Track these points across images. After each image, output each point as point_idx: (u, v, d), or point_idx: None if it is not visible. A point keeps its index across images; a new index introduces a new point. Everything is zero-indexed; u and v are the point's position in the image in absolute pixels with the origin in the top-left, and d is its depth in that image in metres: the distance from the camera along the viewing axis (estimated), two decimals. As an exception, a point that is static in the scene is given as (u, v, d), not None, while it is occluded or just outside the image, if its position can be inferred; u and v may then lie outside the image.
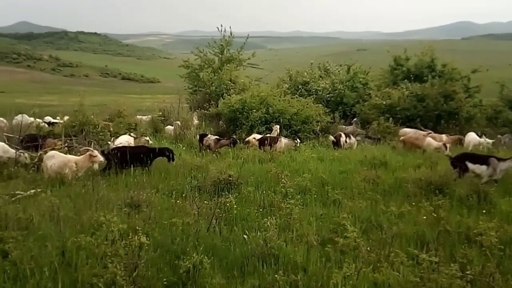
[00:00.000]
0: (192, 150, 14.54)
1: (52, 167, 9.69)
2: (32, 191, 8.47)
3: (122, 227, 5.53)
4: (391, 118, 20.03)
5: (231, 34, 28.55)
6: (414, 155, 13.78)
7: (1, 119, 17.67)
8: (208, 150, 14.27)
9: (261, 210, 8.18)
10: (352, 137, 16.46)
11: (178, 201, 8.17)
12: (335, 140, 15.85)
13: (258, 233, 6.55)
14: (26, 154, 11.03)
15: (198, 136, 15.51)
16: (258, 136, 15.90)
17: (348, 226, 6.37)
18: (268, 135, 16.13)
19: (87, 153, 10.02)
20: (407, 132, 17.45)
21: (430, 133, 15.90)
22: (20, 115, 17.58)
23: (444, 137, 16.45)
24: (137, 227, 5.70)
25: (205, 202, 7.92)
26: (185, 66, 28.57)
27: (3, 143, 11.41)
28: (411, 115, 21.59)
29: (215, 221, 6.92)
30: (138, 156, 10.73)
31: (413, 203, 8.25)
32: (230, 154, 13.73)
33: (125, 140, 12.96)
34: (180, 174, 10.56)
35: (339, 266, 5.49)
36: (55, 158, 9.86)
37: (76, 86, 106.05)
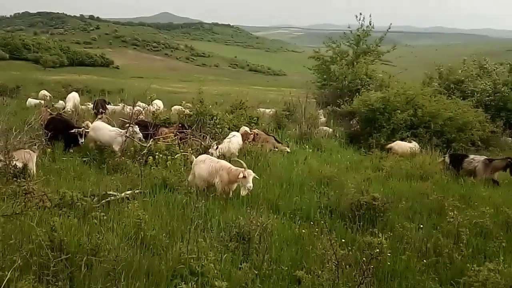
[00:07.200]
0: (319, 154, 12.19)
1: (201, 175, 7.62)
2: (128, 192, 6.95)
3: (219, 285, 3.42)
4: None
5: (370, 23, 25.38)
6: None
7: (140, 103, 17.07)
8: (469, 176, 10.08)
9: (423, 260, 5.54)
10: None
11: (303, 231, 5.93)
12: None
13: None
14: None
15: (447, 157, 10.97)
16: (403, 144, 12.94)
17: None
18: None
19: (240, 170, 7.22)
20: None
21: None
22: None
23: None
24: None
25: (343, 240, 5.53)
26: (316, 57, 26.24)
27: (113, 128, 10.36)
28: None
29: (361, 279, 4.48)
30: None
31: None
32: (368, 163, 11.09)
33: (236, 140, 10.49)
34: (306, 186, 8.28)
35: None
36: (205, 164, 7.68)
37: (206, 75, 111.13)
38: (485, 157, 10.52)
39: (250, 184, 6.97)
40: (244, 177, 6.94)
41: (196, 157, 8.20)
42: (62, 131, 10.12)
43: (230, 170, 7.25)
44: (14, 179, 5.89)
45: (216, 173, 7.29)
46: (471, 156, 10.65)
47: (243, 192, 7.04)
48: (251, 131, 11.81)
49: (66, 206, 5.63)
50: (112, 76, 78.55)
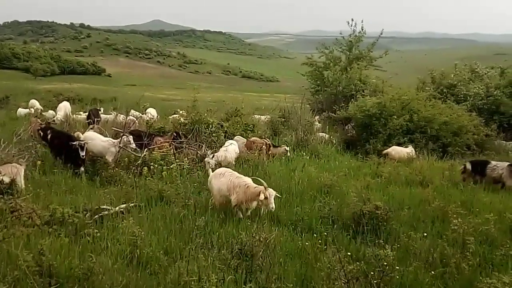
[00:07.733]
0: (317, 160, 11.97)
1: (221, 189, 7.05)
2: (123, 206, 6.67)
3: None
4: None
5: (362, 29, 25.34)
6: None
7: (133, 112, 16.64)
8: None
9: (430, 271, 5.33)
10: None
11: (306, 243, 5.71)
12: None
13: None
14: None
15: (468, 164, 10.30)
16: (400, 149, 12.81)
17: None
18: None
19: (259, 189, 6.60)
20: None
21: None
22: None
23: None
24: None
25: (349, 253, 5.30)
26: (309, 64, 26.15)
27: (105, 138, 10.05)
28: None
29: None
30: None
31: None
32: (367, 170, 10.90)
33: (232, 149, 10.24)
34: (306, 196, 8.06)
35: None
36: (225, 177, 7.12)
37: (199, 82, 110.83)
38: (508, 162, 10.01)
39: (272, 205, 6.46)
40: (266, 198, 6.42)
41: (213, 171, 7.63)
42: (65, 145, 9.34)
43: (247, 188, 6.69)
44: (0, 196, 5.59)
45: (234, 190, 6.79)
46: (493, 163, 10.12)
47: (263, 212, 6.64)
48: (259, 141, 11.54)
49: (57, 223, 5.35)
50: (104, 84, 77.68)
